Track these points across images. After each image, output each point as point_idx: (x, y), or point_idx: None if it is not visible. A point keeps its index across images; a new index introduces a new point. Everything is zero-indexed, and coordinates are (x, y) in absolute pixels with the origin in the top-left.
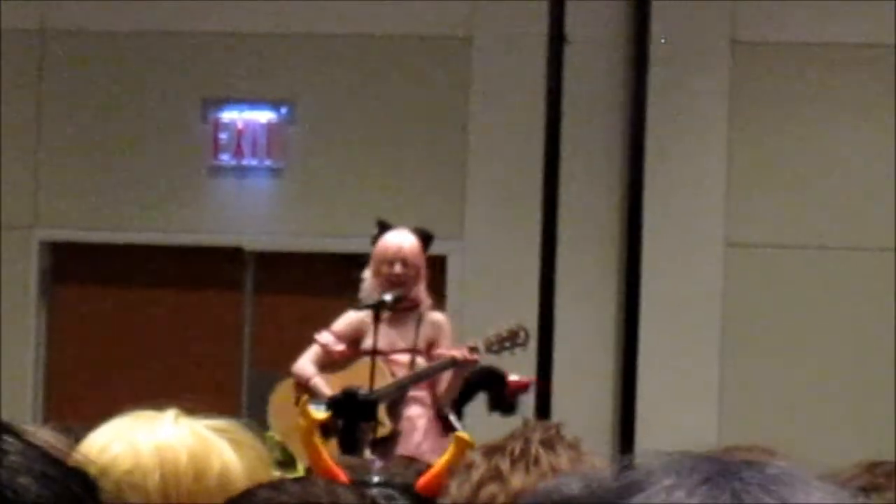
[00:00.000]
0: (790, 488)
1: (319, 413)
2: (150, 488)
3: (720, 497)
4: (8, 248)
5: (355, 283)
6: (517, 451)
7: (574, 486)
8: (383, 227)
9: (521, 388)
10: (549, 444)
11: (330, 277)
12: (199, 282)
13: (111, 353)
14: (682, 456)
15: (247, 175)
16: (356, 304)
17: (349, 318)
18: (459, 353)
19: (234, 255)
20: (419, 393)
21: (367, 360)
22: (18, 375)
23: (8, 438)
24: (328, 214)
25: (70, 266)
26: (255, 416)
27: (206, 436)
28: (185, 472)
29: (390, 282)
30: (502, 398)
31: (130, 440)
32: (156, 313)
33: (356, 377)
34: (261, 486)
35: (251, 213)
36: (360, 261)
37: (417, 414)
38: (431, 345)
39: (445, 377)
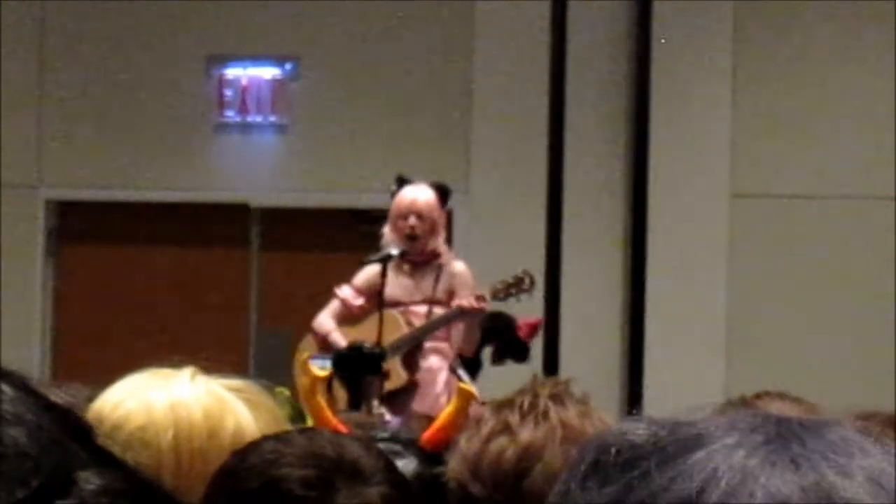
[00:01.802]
0: (849, 456)
1: (320, 370)
2: (163, 446)
3: (779, 461)
4: (13, 207)
5: (361, 238)
6: (526, 406)
7: (641, 433)
8: (402, 182)
9: (532, 329)
10: (557, 399)
11: (336, 233)
12: (205, 239)
13: (117, 311)
14: (745, 414)
15: (252, 132)
16: (366, 259)
17: (368, 272)
18: (466, 301)
19: (240, 212)
20: (439, 345)
21: (384, 311)
22: (24, 334)
23: (1, 385)
24: (333, 170)
25: (75, 225)
26: (263, 373)
27: (222, 395)
28: (199, 430)
29: (406, 235)
30: (514, 344)
31: (144, 397)
32: (162, 271)
33: (373, 330)
34: (267, 437)
35: (257, 169)
36: (367, 216)
37: (437, 366)
38: (451, 295)
39: (459, 328)
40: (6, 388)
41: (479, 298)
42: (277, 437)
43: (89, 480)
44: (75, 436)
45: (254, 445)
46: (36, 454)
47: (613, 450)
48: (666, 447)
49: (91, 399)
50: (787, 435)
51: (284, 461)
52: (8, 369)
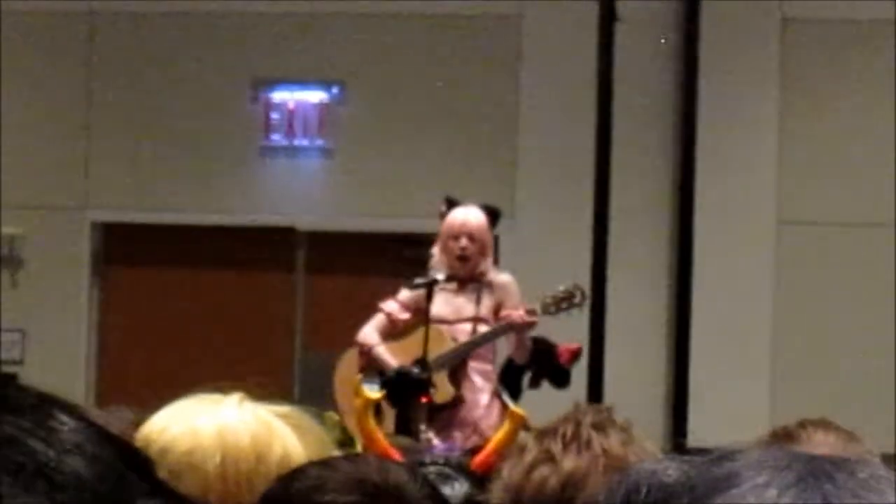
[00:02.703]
0: (879, 494)
1: (374, 392)
2: (210, 470)
3: (811, 499)
4: (60, 229)
5: (406, 262)
6: (569, 434)
7: (672, 473)
8: (451, 203)
9: (573, 355)
10: (600, 427)
11: (381, 257)
12: (250, 262)
13: (163, 333)
14: (776, 451)
15: (298, 155)
16: (411, 284)
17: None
18: (518, 316)
19: (286, 236)
20: (484, 367)
21: (430, 327)
22: (71, 356)
23: (61, 416)
24: (379, 194)
25: (122, 247)
26: (308, 397)
27: (269, 420)
28: (247, 455)
29: (457, 256)
30: (554, 369)
31: (191, 422)
32: (207, 294)
33: (419, 346)
34: (312, 463)
35: (303, 193)
36: (412, 240)
37: (480, 386)
38: (498, 309)
39: (510, 341)
40: (66, 419)
41: (530, 312)
42: (323, 463)
43: None
44: (134, 467)
45: (299, 471)
46: (94, 484)
47: (644, 489)
48: (697, 486)
49: (138, 423)
50: (817, 473)
51: (329, 487)
52: (68, 401)
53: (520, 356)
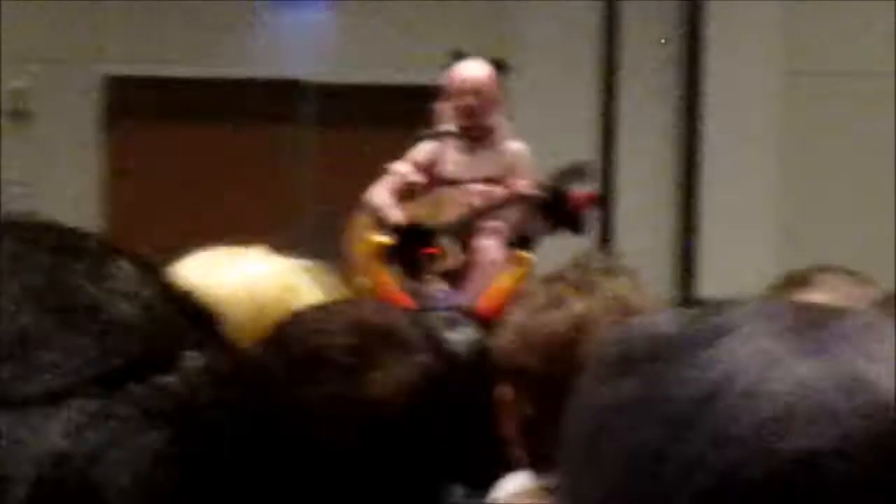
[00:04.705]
0: (877, 342)
1: (381, 237)
2: (239, 320)
3: (805, 345)
4: (67, 81)
5: (416, 114)
6: (577, 278)
7: (667, 325)
8: (457, 57)
9: (586, 201)
10: (608, 272)
11: (390, 109)
12: (254, 116)
13: (171, 188)
14: (771, 302)
15: (304, 5)
16: (422, 135)
17: (424, 149)
18: (525, 188)
19: (289, 88)
20: (495, 223)
21: (442, 189)
22: (80, 209)
23: (119, 262)
24: (387, 45)
25: (129, 100)
26: (317, 252)
27: (295, 271)
28: (276, 305)
29: (461, 112)
30: (568, 216)
31: (217, 273)
32: (215, 148)
33: (429, 207)
34: (311, 308)
35: (307, 45)
36: (419, 92)
37: (492, 245)
38: (509, 173)
39: (515, 210)
40: (125, 265)
41: (538, 185)
42: (322, 307)
43: (195, 359)
44: (191, 317)
45: (298, 314)
46: (142, 328)
47: (638, 340)
48: (691, 336)
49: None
50: (813, 321)
51: (328, 329)
52: (130, 250)
53: (522, 229)
